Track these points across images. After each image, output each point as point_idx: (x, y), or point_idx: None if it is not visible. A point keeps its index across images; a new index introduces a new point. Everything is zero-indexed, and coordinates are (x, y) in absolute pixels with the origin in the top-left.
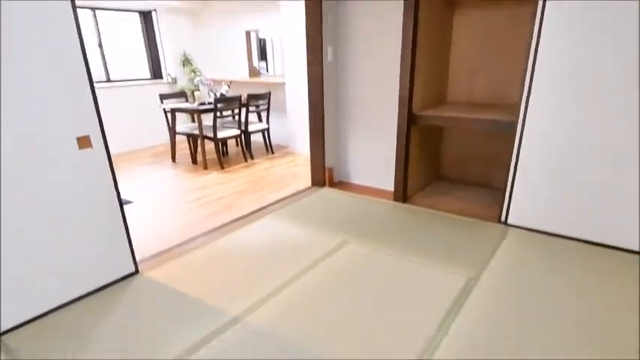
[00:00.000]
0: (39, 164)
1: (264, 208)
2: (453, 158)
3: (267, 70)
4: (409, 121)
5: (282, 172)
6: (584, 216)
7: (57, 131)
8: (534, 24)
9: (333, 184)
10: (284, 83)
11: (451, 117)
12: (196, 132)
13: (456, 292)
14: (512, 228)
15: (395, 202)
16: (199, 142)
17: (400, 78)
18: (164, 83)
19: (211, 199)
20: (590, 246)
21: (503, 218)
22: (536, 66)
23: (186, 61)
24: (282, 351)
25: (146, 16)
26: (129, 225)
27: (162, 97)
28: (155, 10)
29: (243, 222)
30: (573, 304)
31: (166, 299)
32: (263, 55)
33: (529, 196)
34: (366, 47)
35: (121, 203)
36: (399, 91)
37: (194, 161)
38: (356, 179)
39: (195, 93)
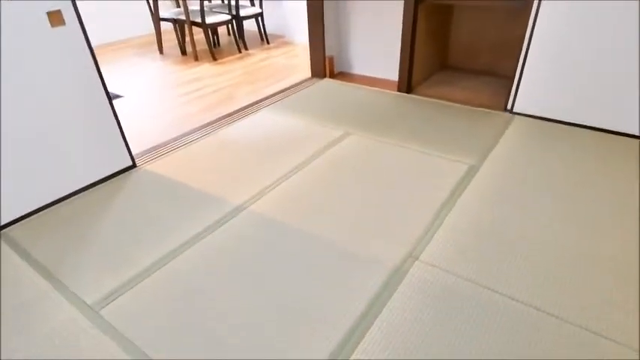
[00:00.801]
0: (13, 46)
1: (261, 100)
2: (462, 46)
3: None
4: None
5: (279, 63)
6: (588, 102)
7: (25, 4)
8: None
9: (334, 75)
10: None
11: None
12: (182, 17)
13: (457, 178)
14: (517, 116)
15: (399, 93)
16: (187, 29)
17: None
18: None
19: (206, 92)
20: (593, 131)
21: (509, 106)
22: None
23: None
24: (283, 234)
25: None
26: (121, 119)
27: None
28: None
29: (240, 114)
30: (574, 189)
31: (167, 190)
32: None
33: (537, 84)
34: None
35: (109, 94)
36: None
37: (183, 52)
38: (358, 69)
39: None
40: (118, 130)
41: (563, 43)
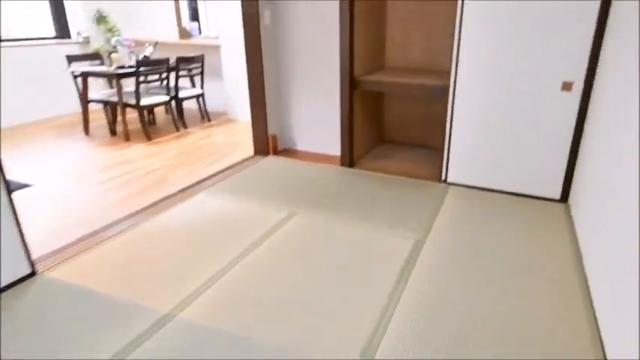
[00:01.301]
0: None
1: (200, 182)
2: (395, 121)
3: (200, 32)
4: (351, 86)
5: (220, 141)
6: (511, 171)
7: None
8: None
9: (277, 152)
10: (219, 46)
11: (391, 82)
12: (115, 99)
13: (405, 256)
14: (452, 186)
15: (342, 167)
16: (119, 110)
17: (340, 44)
18: (73, 43)
19: (136, 176)
20: (520, 198)
21: (443, 177)
22: (461, 39)
23: (100, 19)
24: (218, 348)
25: None
26: (25, 213)
27: (71, 59)
28: None
29: (174, 199)
30: (511, 253)
31: (73, 304)
32: (195, 16)
33: (464, 156)
34: (306, 10)
35: (8, 185)
36: (340, 57)
37: (113, 132)
38: (302, 145)
39: (113, 55)
40: (16, 228)
41: (481, 119)
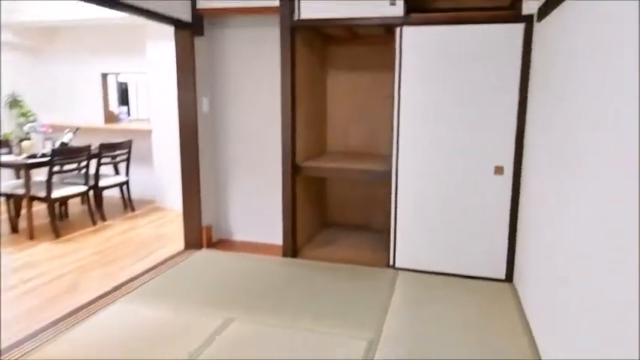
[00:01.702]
0: None
1: (118, 287)
2: (339, 205)
3: (129, 115)
4: (293, 173)
5: (146, 234)
6: (459, 253)
7: None
8: (395, 87)
9: (212, 244)
10: (150, 130)
11: (333, 168)
12: (20, 191)
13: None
14: (400, 272)
15: (284, 258)
16: (25, 203)
17: (282, 129)
18: None
19: (37, 284)
20: (469, 280)
21: (391, 262)
22: (400, 122)
23: (14, 103)
24: None
25: None
26: None
27: None
28: None
29: (85, 312)
30: (467, 340)
31: None
32: (124, 100)
33: (410, 240)
34: (246, 96)
35: None
36: (282, 143)
37: (14, 229)
38: (239, 235)
39: (24, 143)
40: None
41: (424, 202)
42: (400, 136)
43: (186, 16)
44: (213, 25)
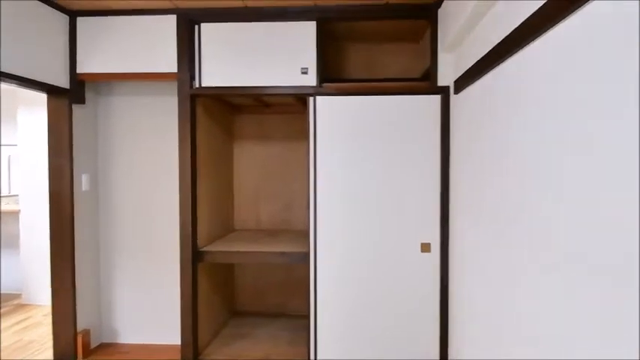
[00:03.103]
0: None
1: None
2: (249, 289)
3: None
4: (195, 259)
5: (7, 342)
6: (390, 338)
7: None
8: (309, 158)
9: (90, 353)
10: (18, 212)
11: (243, 252)
12: None
13: None
14: None
15: None
16: None
17: (180, 210)
18: None
19: None
20: None
21: (312, 357)
22: (317, 197)
23: None
24: None
25: None
26: None
27: None
28: None
29: None
30: None
31: None
32: None
33: (334, 329)
34: (136, 173)
35: None
36: (180, 226)
37: None
38: (128, 337)
39: None
40: None
41: (348, 285)
42: (317, 212)
43: (62, 81)
44: (96, 93)
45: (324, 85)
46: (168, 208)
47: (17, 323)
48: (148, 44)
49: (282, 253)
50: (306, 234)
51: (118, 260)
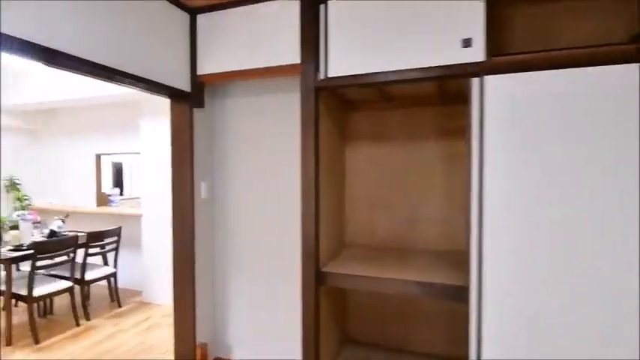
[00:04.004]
0: None
1: None
2: (364, 315)
3: (122, 195)
4: (318, 282)
5: (130, 344)
6: None
7: None
8: (472, 162)
9: None
10: (140, 215)
11: (370, 277)
12: (3, 287)
13: None
14: None
15: None
16: (4, 302)
17: (303, 224)
18: None
19: None
20: None
21: None
22: (484, 214)
23: (11, 187)
24: None
25: None
26: None
27: None
28: None
29: None
30: None
31: None
32: (119, 181)
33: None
34: (251, 180)
35: None
36: (302, 242)
37: None
38: (242, 352)
39: (12, 232)
40: None
41: (535, 328)
42: (484, 232)
43: (184, 84)
44: (212, 96)
45: (495, 59)
46: (284, 220)
47: (139, 323)
48: (266, 36)
49: (430, 284)
50: (440, 256)
51: (234, 273)
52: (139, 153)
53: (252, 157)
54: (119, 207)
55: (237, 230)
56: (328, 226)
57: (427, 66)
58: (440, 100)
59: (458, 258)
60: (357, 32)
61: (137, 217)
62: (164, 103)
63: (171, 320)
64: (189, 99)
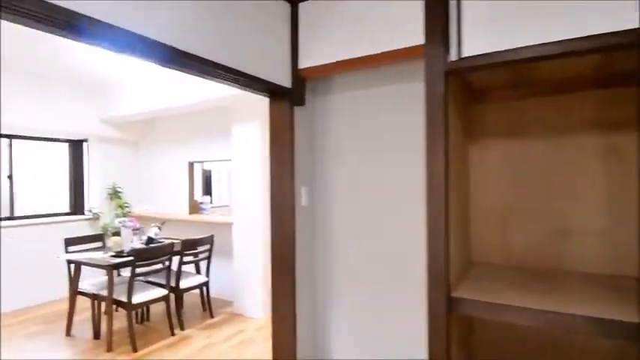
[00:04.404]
0: None
1: None
2: (499, 343)
3: (212, 202)
4: (448, 309)
5: (226, 356)
6: None
7: None
8: None
9: None
10: (231, 223)
11: (520, 308)
12: (104, 293)
13: None
14: None
15: None
16: (105, 308)
17: (429, 238)
18: (83, 219)
19: None
20: None
21: None
22: None
23: (114, 194)
24: None
25: (76, 145)
26: None
27: (69, 242)
28: (87, 139)
29: None
30: None
31: None
32: (208, 189)
33: None
34: (361, 189)
35: None
36: (428, 262)
37: (96, 335)
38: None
39: (114, 239)
40: None
41: None
42: None
43: (284, 80)
44: (313, 93)
45: None
46: (396, 231)
47: (231, 336)
48: (380, 17)
49: (599, 320)
50: (599, 281)
51: (336, 290)
52: (229, 160)
53: (358, 160)
54: (210, 215)
55: (338, 240)
56: (455, 240)
57: (591, 34)
58: (597, 82)
59: (624, 284)
60: None
61: (227, 225)
62: (253, 108)
63: (265, 334)
64: (290, 96)
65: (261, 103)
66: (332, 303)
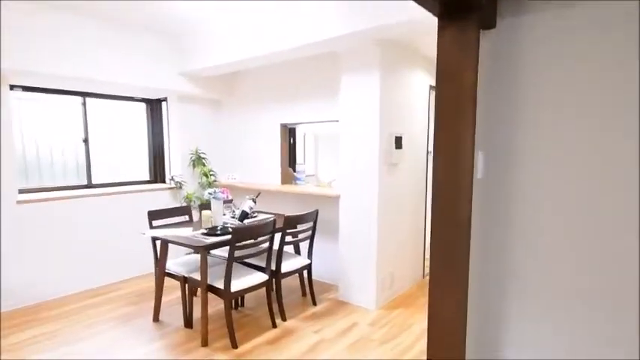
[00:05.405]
0: None
1: None
2: None
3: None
4: None
5: (340, 354)
6: None
7: None
8: None
9: None
10: (337, 197)
11: None
12: (196, 277)
13: None
14: None
15: None
16: (202, 296)
17: None
18: (165, 188)
19: None
20: None
21: None
22: None
23: (197, 161)
24: None
25: (154, 106)
26: None
27: (153, 215)
28: (166, 98)
29: None
30: None
31: None
32: (291, 156)
33: None
34: (564, 158)
35: None
36: None
37: (188, 323)
38: None
39: (204, 213)
40: None
41: None
42: None
43: None
44: (500, 15)
45: None
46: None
47: (344, 332)
48: None
49: None
50: None
51: (513, 287)
52: (336, 121)
53: (562, 120)
54: (305, 186)
55: (529, 224)
56: None
57: None
58: None
59: None
60: None
61: (328, 199)
62: (372, 53)
63: (382, 334)
64: (477, 12)
65: (380, 47)
66: (506, 305)
